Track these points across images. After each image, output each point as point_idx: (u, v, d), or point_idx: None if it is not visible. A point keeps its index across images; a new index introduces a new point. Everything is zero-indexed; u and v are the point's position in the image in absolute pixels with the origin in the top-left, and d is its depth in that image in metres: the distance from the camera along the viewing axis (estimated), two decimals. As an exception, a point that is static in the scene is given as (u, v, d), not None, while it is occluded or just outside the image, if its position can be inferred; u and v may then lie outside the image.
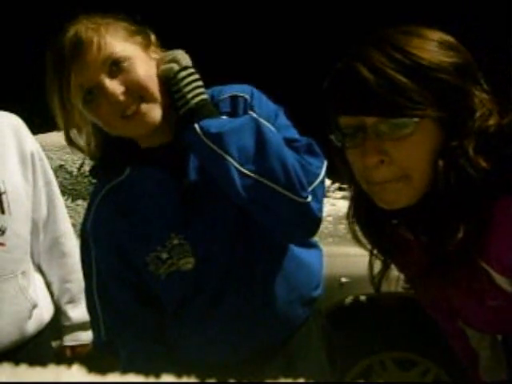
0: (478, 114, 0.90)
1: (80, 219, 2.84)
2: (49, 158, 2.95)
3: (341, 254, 2.57)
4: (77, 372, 0.40)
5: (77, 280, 1.73)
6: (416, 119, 0.89)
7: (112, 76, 1.18)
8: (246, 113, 1.27)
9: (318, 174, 1.28)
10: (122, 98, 1.17)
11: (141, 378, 0.40)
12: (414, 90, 0.88)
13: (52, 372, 0.40)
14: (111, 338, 1.34)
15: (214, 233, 1.28)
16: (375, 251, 1.11)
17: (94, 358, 1.78)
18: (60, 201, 1.73)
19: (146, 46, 1.26)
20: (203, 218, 1.28)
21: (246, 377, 1.33)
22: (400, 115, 0.89)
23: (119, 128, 1.22)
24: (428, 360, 2.41)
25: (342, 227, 2.83)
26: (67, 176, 2.87)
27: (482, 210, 0.90)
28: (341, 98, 0.94)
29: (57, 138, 3.11)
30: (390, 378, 2.45)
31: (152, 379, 0.40)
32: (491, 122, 0.91)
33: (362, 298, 2.42)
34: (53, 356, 1.69)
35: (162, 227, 1.28)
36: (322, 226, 2.88)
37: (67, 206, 2.76)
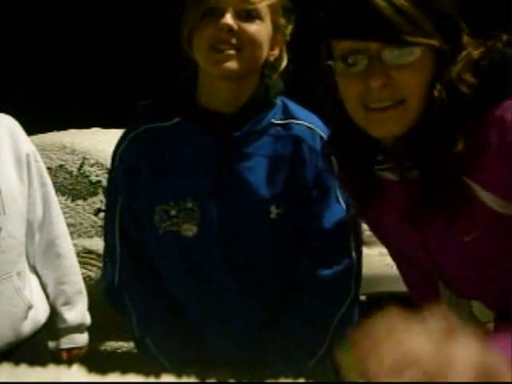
0: (468, 47, 0.94)
1: (80, 219, 2.85)
2: (49, 158, 2.96)
3: (341, 253, 2.57)
4: (77, 372, 0.40)
5: (72, 282, 1.73)
6: (421, 47, 0.92)
7: (239, 17, 1.21)
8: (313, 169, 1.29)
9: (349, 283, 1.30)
10: (225, 34, 1.20)
11: (141, 378, 0.40)
12: (421, 18, 0.91)
13: (52, 372, 0.40)
14: (122, 288, 1.36)
15: (227, 219, 1.29)
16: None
17: (94, 358, 1.78)
18: (55, 202, 1.73)
19: (278, 25, 1.27)
20: (224, 199, 1.28)
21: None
22: (406, 43, 0.91)
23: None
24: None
25: (342, 227, 2.82)
26: (67, 176, 2.87)
27: (474, 124, 0.93)
28: (345, 22, 0.94)
29: (57, 137, 3.11)
30: (390, 377, 2.45)
31: (152, 379, 0.40)
32: (479, 49, 0.95)
33: (362, 297, 2.42)
34: (49, 357, 1.68)
35: (184, 187, 1.29)
36: (322, 226, 2.89)
37: (67, 206, 2.77)
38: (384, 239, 1.21)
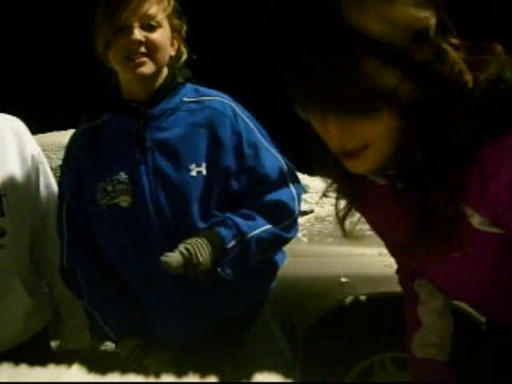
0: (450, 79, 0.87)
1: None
2: (49, 157, 2.96)
3: (341, 253, 2.57)
4: (77, 372, 0.40)
5: None
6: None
7: (144, 30, 1.47)
8: (231, 131, 1.53)
9: (293, 214, 1.56)
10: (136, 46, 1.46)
11: (141, 378, 0.40)
12: (368, 81, 0.83)
13: (52, 372, 0.40)
14: (73, 266, 1.57)
15: (156, 185, 1.50)
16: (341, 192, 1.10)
17: (94, 358, 1.78)
18: None
19: (174, 26, 1.54)
20: (150, 168, 1.50)
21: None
22: (358, 112, 0.87)
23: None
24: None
25: (342, 227, 2.82)
26: (67, 176, 2.86)
27: (465, 156, 0.89)
28: (298, 97, 0.92)
29: (57, 137, 3.11)
30: (390, 378, 2.45)
31: (152, 379, 0.40)
32: (466, 80, 0.88)
33: (362, 297, 2.42)
34: (53, 356, 1.68)
35: (115, 163, 1.53)
36: (322, 226, 2.89)
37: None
38: (379, 234, 1.22)
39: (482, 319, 1.25)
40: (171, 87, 1.56)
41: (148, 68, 1.48)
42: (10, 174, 1.55)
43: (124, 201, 1.51)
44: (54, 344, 1.76)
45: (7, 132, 1.58)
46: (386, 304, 2.30)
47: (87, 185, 1.55)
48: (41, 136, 3.03)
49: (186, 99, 1.56)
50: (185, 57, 1.59)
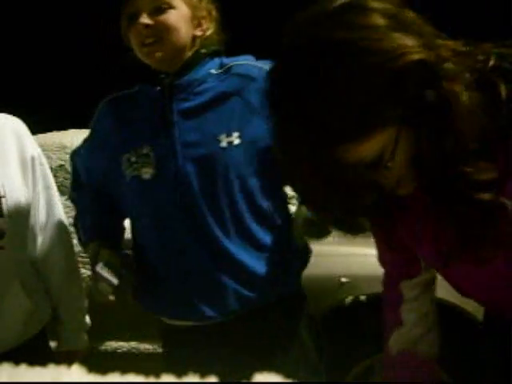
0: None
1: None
2: (49, 157, 2.96)
3: (341, 253, 2.57)
4: (77, 372, 0.40)
5: (73, 285, 1.72)
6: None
7: (153, 14, 1.45)
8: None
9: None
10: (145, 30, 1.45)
11: (141, 378, 0.40)
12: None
13: (52, 372, 0.40)
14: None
15: (181, 158, 1.46)
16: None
17: (94, 358, 1.78)
18: (59, 206, 1.73)
19: (193, 4, 1.51)
20: (175, 140, 1.47)
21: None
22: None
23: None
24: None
25: (342, 227, 2.82)
26: (67, 176, 2.86)
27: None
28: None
29: (57, 137, 3.12)
30: (390, 377, 2.45)
31: (152, 379, 0.40)
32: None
33: (362, 297, 2.42)
34: (50, 357, 1.68)
35: (139, 134, 1.52)
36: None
37: (67, 206, 2.76)
38: (415, 247, 1.16)
39: (479, 318, 1.23)
40: (197, 60, 1.53)
41: (160, 52, 1.46)
42: (10, 176, 1.54)
43: (146, 173, 1.49)
44: (52, 345, 1.76)
45: (7, 133, 1.58)
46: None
47: (114, 154, 1.55)
48: (41, 136, 3.03)
49: (213, 71, 1.52)
50: (210, 33, 1.55)
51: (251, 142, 1.44)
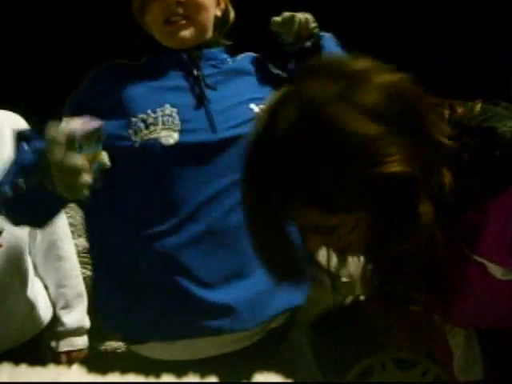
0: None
1: (80, 219, 2.84)
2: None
3: (341, 253, 2.57)
4: (77, 372, 0.40)
5: (72, 285, 1.72)
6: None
7: None
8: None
9: None
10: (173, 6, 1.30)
11: (141, 378, 0.40)
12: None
13: (52, 372, 0.40)
14: None
15: (211, 128, 1.27)
16: None
17: (94, 358, 1.78)
18: None
19: None
20: (205, 108, 1.29)
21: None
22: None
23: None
24: (428, 360, 2.41)
25: (342, 227, 2.82)
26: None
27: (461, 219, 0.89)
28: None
29: (57, 137, 3.11)
30: (390, 378, 2.45)
31: (152, 379, 0.40)
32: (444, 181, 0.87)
33: (362, 297, 2.42)
34: (50, 357, 1.68)
35: (162, 95, 1.29)
36: (322, 226, 2.89)
37: (67, 206, 2.76)
38: None
39: None
40: (216, 44, 1.41)
41: (189, 32, 1.32)
42: (9, 173, 1.54)
43: (168, 137, 1.24)
44: (52, 345, 1.76)
45: (6, 129, 1.58)
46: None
47: (115, 117, 1.27)
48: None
49: (227, 58, 1.41)
50: (232, 16, 1.44)
51: None
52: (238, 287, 1.25)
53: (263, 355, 1.28)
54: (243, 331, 1.26)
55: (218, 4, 1.40)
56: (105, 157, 1.11)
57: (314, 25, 1.41)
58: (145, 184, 1.27)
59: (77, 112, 1.17)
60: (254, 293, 1.26)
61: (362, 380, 2.48)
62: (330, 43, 1.44)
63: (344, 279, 2.45)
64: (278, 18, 1.40)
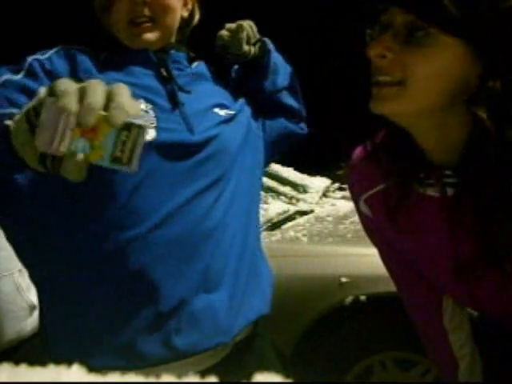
0: None
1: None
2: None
3: (341, 253, 2.57)
4: (77, 372, 0.40)
5: None
6: (440, 35, 0.82)
7: None
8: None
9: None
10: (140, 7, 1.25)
11: (141, 378, 0.40)
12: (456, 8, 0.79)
13: (52, 372, 0.40)
14: None
15: (185, 126, 1.24)
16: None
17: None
18: None
19: None
20: (179, 111, 1.26)
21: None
22: (429, 21, 0.82)
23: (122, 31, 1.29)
24: (428, 360, 2.41)
25: (342, 227, 2.83)
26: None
27: None
28: None
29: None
30: (390, 378, 2.46)
31: (152, 379, 0.40)
32: None
33: (362, 297, 2.42)
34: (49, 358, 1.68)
35: (133, 90, 1.15)
36: (322, 226, 2.90)
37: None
38: (419, 259, 1.09)
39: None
40: (181, 47, 1.38)
41: (154, 34, 1.28)
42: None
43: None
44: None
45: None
46: (386, 304, 2.30)
47: None
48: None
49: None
50: (197, 18, 1.42)
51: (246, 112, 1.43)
52: (205, 302, 1.19)
53: (231, 370, 1.23)
54: (213, 348, 1.21)
55: (185, 4, 1.37)
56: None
57: (256, 29, 1.44)
58: (112, 189, 1.14)
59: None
60: (223, 308, 1.21)
61: (362, 380, 2.48)
62: (271, 46, 1.48)
63: (344, 279, 2.45)
64: (224, 31, 1.41)
